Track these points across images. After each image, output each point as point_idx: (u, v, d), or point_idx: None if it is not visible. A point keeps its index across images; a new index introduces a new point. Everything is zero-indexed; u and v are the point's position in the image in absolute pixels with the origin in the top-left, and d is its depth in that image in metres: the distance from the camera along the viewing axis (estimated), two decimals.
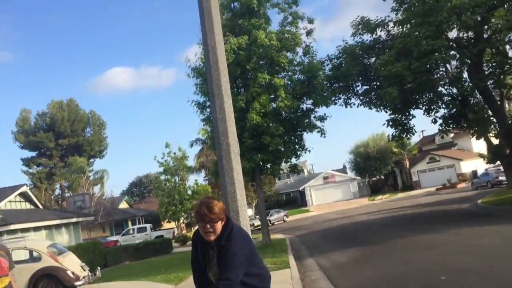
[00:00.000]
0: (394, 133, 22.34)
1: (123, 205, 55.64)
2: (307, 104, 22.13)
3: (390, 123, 21.85)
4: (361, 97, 22.94)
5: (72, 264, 13.29)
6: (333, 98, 22.28)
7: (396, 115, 21.88)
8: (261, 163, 21.60)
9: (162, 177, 39.07)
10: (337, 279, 9.94)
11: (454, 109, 21.07)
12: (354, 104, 23.03)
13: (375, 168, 61.55)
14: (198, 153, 51.22)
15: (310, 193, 62.53)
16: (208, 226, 3.13)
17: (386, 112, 21.95)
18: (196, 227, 3.33)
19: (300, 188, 63.51)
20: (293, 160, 23.40)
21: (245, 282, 3.22)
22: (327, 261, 13.11)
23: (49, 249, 13.23)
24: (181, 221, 39.93)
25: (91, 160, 61.20)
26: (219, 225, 3.16)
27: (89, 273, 13.64)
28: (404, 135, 22.71)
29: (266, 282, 3.42)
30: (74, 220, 23.78)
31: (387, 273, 9.44)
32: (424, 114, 22.14)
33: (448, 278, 7.91)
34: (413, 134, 23.40)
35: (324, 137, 22.08)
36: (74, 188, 45.90)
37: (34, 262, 13.01)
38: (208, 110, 21.09)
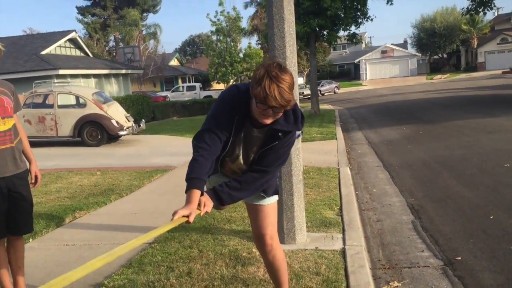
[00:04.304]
0: (469, 6, 20.18)
1: (174, 62, 55.70)
2: None
3: None
4: None
5: (117, 114, 13.21)
6: None
7: None
8: (317, 29, 20.16)
9: (214, 37, 37.95)
10: (385, 155, 9.30)
11: None
12: None
13: (439, 45, 57.61)
14: (252, 15, 49.38)
15: (365, 67, 60.25)
16: (271, 111, 2.23)
17: None
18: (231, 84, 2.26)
19: (355, 61, 61.09)
20: (353, 29, 21.76)
21: None
22: (376, 135, 12.42)
23: (94, 97, 13.12)
24: (230, 83, 39.63)
25: (144, 14, 60.16)
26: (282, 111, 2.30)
27: (134, 124, 13.61)
28: (480, 9, 20.45)
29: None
30: (123, 71, 23.74)
31: (441, 155, 8.66)
32: None
33: None
34: (491, 8, 20.97)
35: (391, 4, 20.01)
36: (127, 41, 45.87)
37: (80, 108, 13.01)
38: None
